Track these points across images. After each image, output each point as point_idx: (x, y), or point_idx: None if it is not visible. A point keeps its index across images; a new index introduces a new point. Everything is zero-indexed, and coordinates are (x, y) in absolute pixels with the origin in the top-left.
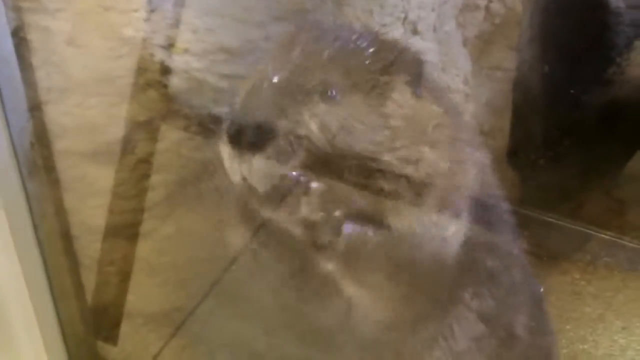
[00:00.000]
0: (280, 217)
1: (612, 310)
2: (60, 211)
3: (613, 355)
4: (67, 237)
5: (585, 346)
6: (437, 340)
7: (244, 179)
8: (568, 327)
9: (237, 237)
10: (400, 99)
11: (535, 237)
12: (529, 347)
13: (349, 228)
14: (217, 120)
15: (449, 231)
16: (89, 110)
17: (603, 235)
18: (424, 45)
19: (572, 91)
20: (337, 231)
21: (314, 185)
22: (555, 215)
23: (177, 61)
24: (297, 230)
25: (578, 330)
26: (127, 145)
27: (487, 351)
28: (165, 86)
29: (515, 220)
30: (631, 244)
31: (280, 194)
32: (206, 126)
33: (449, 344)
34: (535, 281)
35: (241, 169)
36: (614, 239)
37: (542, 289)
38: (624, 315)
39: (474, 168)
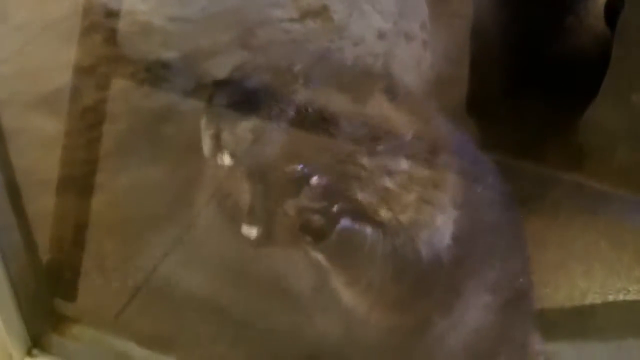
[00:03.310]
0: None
1: (573, 256)
2: (6, 164)
3: (574, 298)
4: (14, 191)
5: (547, 290)
6: None
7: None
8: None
9: (199, 191)
10: (378, 101)
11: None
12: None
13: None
14: (165, 65)
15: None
16: (29, 56)
17: (564, 181)
18: None
19: (530, 39)
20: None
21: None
22: (516, 162)
23: (122, 3)
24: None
25: (539, 276)
26: (72, 93)
27: None
28: (111, 30)
29: (476, 168)
30: (591, 190)
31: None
32: (155, 72)
33: None
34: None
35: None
36: (574, 184)
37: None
38: (585, 260)
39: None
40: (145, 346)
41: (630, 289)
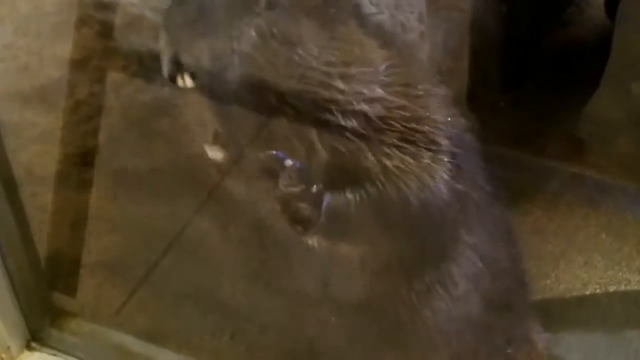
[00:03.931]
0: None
1: (574, 247)
2: (2, 158)
3: (575, 289)
4: (10, 185)
5: (548, 282)
6: None
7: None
8: (530, 264)
9: (197, 188)
10: (348, 28)
11: (495, 177)
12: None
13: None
14: (157, 58)
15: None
16: (20, 51)
17: (565, 172)
18: None
19: (530, 32)
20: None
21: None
22: (517, 154)
23: None
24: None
25: (540, 268)
26: (64, 87)
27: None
28: (102, 23)
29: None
30: (592, 181)
31: None
32: (146, 64)
33: None
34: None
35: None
36: (575, 175)
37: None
38: (585, 251)
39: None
40: (144, 340)
41: (631, 279)
